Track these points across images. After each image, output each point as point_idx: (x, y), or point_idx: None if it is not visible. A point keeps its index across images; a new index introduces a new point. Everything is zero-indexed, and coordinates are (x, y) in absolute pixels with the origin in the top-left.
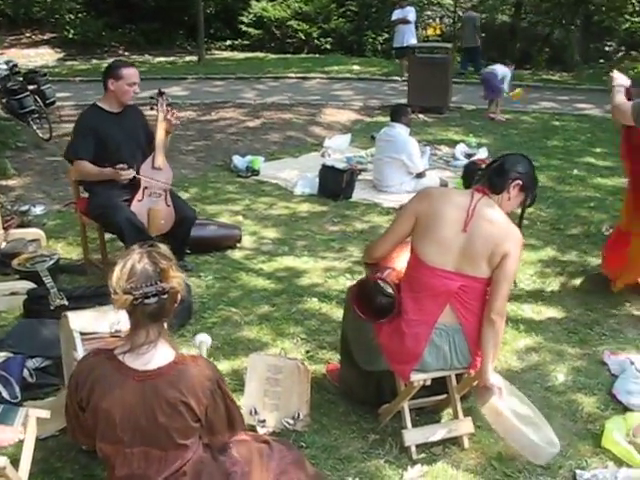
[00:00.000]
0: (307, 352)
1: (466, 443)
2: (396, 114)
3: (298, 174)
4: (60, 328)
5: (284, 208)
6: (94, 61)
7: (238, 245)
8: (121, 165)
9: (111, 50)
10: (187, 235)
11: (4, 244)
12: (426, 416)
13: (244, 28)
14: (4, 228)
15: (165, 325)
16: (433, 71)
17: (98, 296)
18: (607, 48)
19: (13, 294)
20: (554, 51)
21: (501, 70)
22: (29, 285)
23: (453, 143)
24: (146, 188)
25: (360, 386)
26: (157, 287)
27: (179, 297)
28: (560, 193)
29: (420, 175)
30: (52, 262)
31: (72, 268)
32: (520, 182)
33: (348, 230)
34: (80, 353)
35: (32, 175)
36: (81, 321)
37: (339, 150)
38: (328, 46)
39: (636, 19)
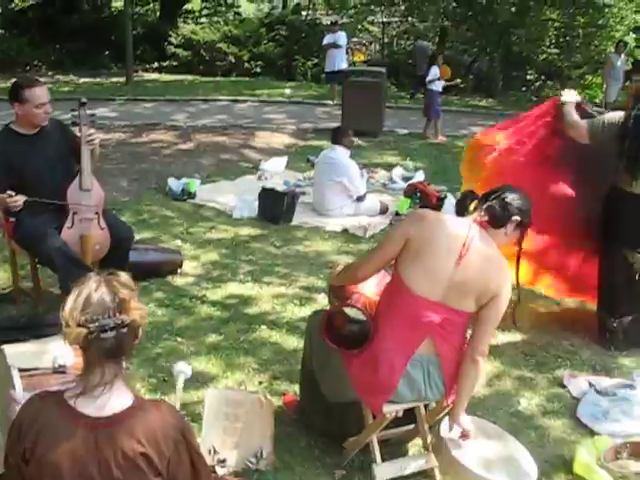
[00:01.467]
0: (260, 383)
1: (438, 476)
2: (337, 136)
3: (235, 197)
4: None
5: (224, 232)
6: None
7: (179, 271)
8: (9, 192)
9: (34, 69)
10: (125, 259)
11: None
12: (392, 448)
13: (173, 49)
14: None
15: (124, 364)
16: (367, 95)
17: (32, 327)
18: (528, 77)
19: None
20: (478, 78)
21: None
22: None
23: (389, 166)
24: (75, 213)
25: (322, 418)
26: (115, 319)
27: (140, 332)
28: None
29: (360, 198)
30: None
31: (1, 296)
32: (519, 219)
33: (292, 254)
34: (19, 392)
35: None
36: (19, 355)
37: (276, 173)
38: (258, 69)
39: (553, 50)
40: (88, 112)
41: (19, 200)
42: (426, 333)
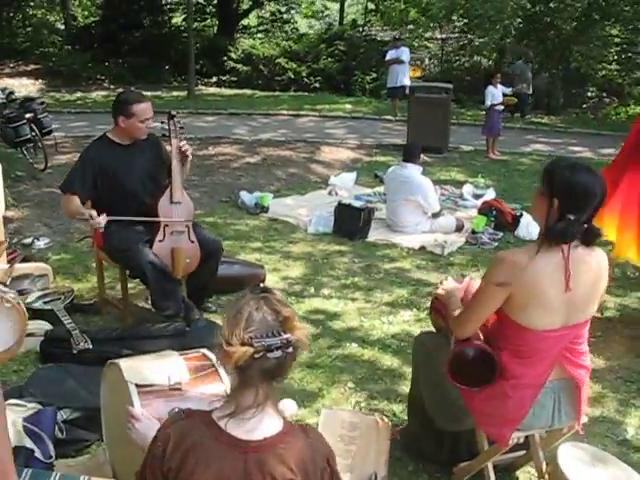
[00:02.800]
0: (357, 403)
1: None
2: (409, 154)
3: (308, 212)
4: (104, 377)
5: (301, 246)
6: (79, 93)
7: (262, 285)
8: (91, 212)
9: (97, 83)
10: (215, 272)
11: (9, 280)
12: (500, 475)
13: (232, 64)
14: (8, 262)
15: (274, 386)
16: (433, 111)
17: (124, 339)
18: (589, 93)
19: (28, 335)
20: (538, 95)
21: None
22: (45, 325)
23: (457, 183)
24: (166, 226)
25: (433, 444)
26: (282, 339)
27: (297, 352)
28: None
29: (436, 215)
30: (69, 300)
31: (86, 307)
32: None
33: (373, 271)
34: (138, 408)
35: (30, 207)
36: (133, 370)
37: (345, 188)
38: (317, 85)
39: (612, 67)
40: (178, 124)
41: (101, 222)
42: (555, 361)
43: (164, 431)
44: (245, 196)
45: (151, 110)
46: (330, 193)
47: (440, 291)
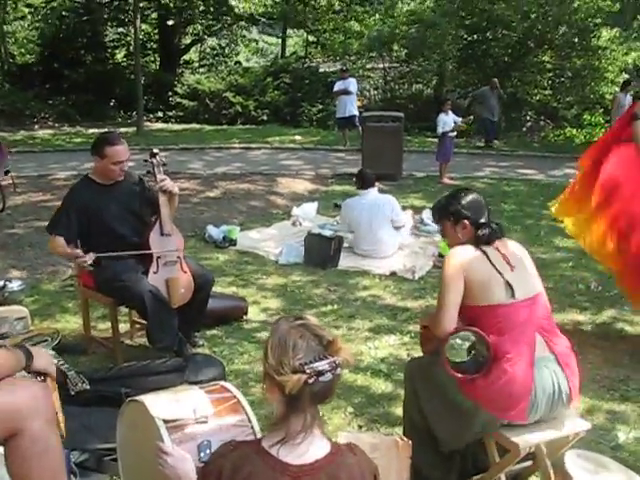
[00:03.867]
0: (360, 427)
1: None
2: (369, 181)
3: (275, 243)
4: (121, 415)
5: (275, 278)
6: (23, 132)
7: (244, 317)
8: (77, 251)
9: (41, 121)
10: (205, 304)
11: None
12: None
13: (178, 99)
14: None
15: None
16: (386, 139)
17: (122, 377)
18: (528, 117)
19: None
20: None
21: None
22: None
23: (416, 209)
24: (159, 257)
25: (440, 471)
26: (330, 362)
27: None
28: (536, 255)
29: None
30: (56, 341)
31: (72, 347)
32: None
33: (351, 299)
34: (167, 443)
35: None
36: (157, 406)
37: (308, 219)
38: (264, 117)
39: (546, 92)
40: (161, 161)
41: (88, 260)
42: (534, 330)
43: (215, 463)
44: (212, 230)
45: (126, 152)
46: (294, 224)
47: (427, 321)
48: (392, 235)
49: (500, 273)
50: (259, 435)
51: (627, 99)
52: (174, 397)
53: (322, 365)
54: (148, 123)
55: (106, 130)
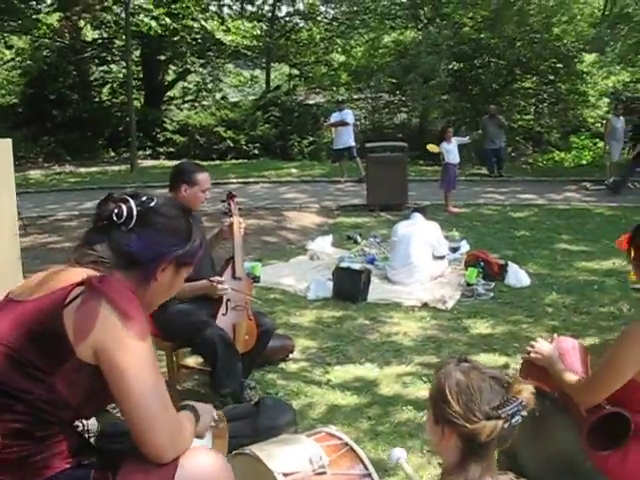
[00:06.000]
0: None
1: None
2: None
3: (297, 278)
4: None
5: (308, 314)
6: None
7: (290, 356)
8: (218, 278)
9: (30, 162)
10: (263, 351)
11: None
12: None
13: (168, 135)
14: None
15: None
16: (390, 169)
17: None
18: (517, 143)
19: None
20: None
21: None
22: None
23: None
24: (229, 300)
25: None
26: (518, 404)
27: None
28: (559, 279)
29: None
30: None
31: None
32: None
33: (392, 332)
34: None
35: None
36: (276, 459)
37: (325, 252)
38: (256, 151)
39: (527, 117)
40: (237, 203)
41: (227, 287)
42: None
43: None
44: None
45: (210, 181)
46: (312, 258)
47: (534, 355)
48: (428, 262)
49: None
50: None
51: (620, 121)
52: (285, 447)
53: (513, 408)
54: (138, 160)
55: (189, 162)
